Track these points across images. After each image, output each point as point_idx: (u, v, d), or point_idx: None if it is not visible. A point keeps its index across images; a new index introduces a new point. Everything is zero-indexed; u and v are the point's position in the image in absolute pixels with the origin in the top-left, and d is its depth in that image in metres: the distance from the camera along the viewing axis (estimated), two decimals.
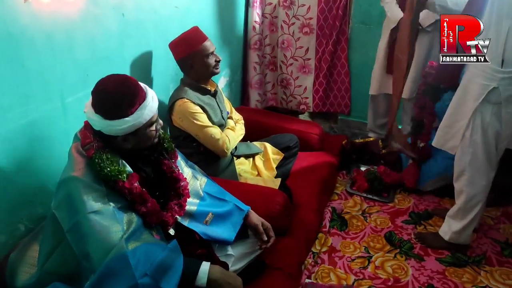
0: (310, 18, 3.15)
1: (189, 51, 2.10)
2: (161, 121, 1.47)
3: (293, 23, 3.20)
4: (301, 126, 2.82)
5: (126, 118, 1.31)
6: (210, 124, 2.11)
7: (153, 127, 1.42)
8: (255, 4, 3.14)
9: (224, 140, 2.12)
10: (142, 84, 1.38)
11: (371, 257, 2.15)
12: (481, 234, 2.32)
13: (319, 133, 2.81)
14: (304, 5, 3.12)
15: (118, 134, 1.34)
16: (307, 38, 3.22)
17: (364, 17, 3.15)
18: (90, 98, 1.35)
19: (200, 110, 2.08)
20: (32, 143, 1.53)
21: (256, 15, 3.18)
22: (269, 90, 3.50)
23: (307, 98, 3.41)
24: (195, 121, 2.06)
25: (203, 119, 2.08)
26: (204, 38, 2.14)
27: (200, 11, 2.55)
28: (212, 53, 2.15)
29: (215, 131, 2.10)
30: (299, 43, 3.24)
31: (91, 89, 1.53)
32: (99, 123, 1.32)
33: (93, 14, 1.72)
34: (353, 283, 1.98)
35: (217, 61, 2.18)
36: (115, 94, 1.31)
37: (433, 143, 2.14)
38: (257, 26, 3.21)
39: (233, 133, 2.24)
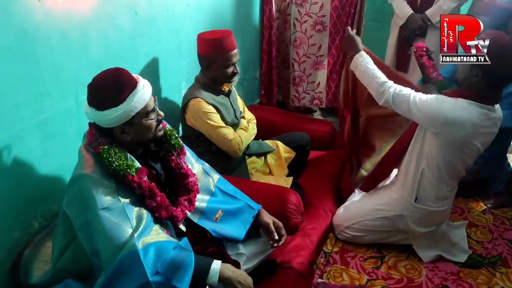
0: (323, 16, 3.12)
1: (213, 53, 2.06)
2: (161, 112, 1.45)
3: (306, 21, 3.18)
4: (312, 125, 2.80)
5: (117, 107, 1.30)
6: (223, 124, 2.10)
7: (151, 117, 1.40)
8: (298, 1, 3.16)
9: (237, 141, 2.11)
10: (134, 75, 1.38)
11: (384, 257, 2.13)
12: (497, 235, 2.28)
13: (331, 131, 2.79)
14: (316, 2, 3.09)
15: (113, 124, 1.33)
16: (320, 35, 3.20)
17: (377, 14, 3.13)
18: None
19: (214, 110, 2.08)
20: (46, 140, 1.54)
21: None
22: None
23: (320, 92, 3.40)
24: (208, 121, 2.05)
25: (216, 119, 2.07)
26: (233, 47, 2.10)
27: (212, 8, 2.55)
28: (233, 64, 2.12)
29: (228, 131, 2.09)
30: (311, 40, 3.23)
31: None
32: (93, 115, 1.33)
33: (106, 12, 1.72)
34: (366, 283, 1.96)
35: (235, 73, 2.15)
36: (104, 84, 1.32)
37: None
38: (297, 24, 3.22)
39: (245, 134, 2.23)
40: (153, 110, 1.41)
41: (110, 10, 1.74)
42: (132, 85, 1.33)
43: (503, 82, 1.74)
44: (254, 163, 2.31)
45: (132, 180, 1.33)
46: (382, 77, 1.88)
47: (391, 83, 1.86)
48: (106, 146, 1.33)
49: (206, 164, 1.75)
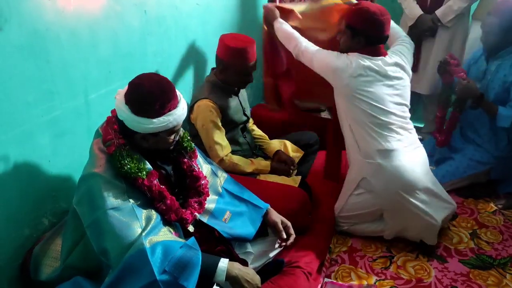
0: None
1: (231, 60, 2.05)
2: (182, 130, 1.47)
3: None
4: (320, 124, 2.78)
5: (153, 119, 1.31)
6: (220, 140, 2.08)
7: (173, 136, 1.42)
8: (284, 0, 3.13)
9: (224, 159, 2.08)
10: (178, 92, 1.38)
11: (393, 257, 2.11)
12: (507, 236, 2.26)
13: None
14: None
15: (139, 131, 1.34)
16: None
17: None
18: (126, 87, 1.36)
19: (217, 120, 2.06)
20: (55, 139, 1.55)
21: None
22: None
23: None
24: (208, 131, 2.05)
25: (215, 132, 2.06)
26: (253, 57, 2.09)
27: (220, 7, 2.55)
28: (250, 73, 2.12)
29: (219, 151, 2.07)
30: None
31: (114, 86, 1.55)
32: (125, 114, 1.32)
33: (116, 10, 1.73)
34: (375, 283, 1.95)
35: (248, 81, 2.15)
36: (150, 92, 1.31)
37: None
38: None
39: (242, 162, 2.15)
40: (178, 130, 1.43)
41: (119, 9, 1.75)
42: (174, 104, 1.34)
43: (378, 40, 1.99)
44: (261, 161, 2.30)
45: (142, 183, 1.34)
46: (297, 37, 2.11)
47: (302, 40, 2.09)
48: (119, 147, 1.33)
49: (214, 163, 1.76)
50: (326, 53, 2.02)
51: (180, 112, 1.36)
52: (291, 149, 2.40)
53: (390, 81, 1.98)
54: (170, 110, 1.33)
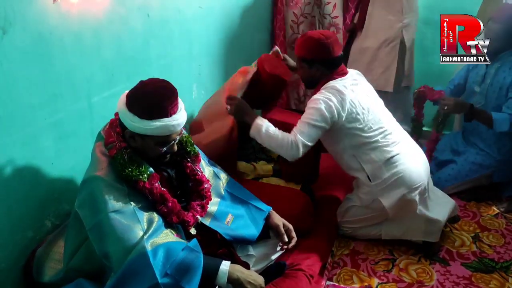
0: (336, 17, 3.10)
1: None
2: (175, 148, 1.43)
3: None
4: None
5: (141, 119, 1.30)
6: None
7: (163, 146, 1.38)
8: (291, 3, 3.13)
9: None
10: (180, 101, 1.37)
11: (395, 260, 2.11)
12: (510, 239, 2.25)
13: None
14: (329, 2, 3.05)
15: (129, 128, 1.34)
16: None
17: None
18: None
19: None
20: (59, 141, 1.56)
21: (292, 14, 3.16)
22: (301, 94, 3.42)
23: None
24: None
25: None
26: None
27: (223, 11, 2.56)
28: None
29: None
30: None
31: (117, 89, 1.55)
32: (122, 106, 1.34)
33: (119, 14, 1.74)
34: (377, 287, 1.95)
35: None
36: (149, 93, 1.32)
37: None
38: (294, 26, 3.19)
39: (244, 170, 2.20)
40: (169, 142, 1.39)
41: (123, 13, 1.76)
42: (164, 114, 1.31)
43: (334, 62, 1.98)
44: (263, 165, 2.31)
45: (144, 186, 1.34)
46: (284, 136, 1.88)
47: (292, 135, 1.88)
48: (121, 150, 1.34)
49: (216, 165, 1.76)
50: (309, 124, 1.89)
51: (171, 123, 1.32)
52: None
53: (367, 92, 2.05)
54: (161, 118, 1.31)
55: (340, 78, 1.98)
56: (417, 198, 2.00)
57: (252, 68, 2.06)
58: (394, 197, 1.99)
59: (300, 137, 1.87)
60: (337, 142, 2.03)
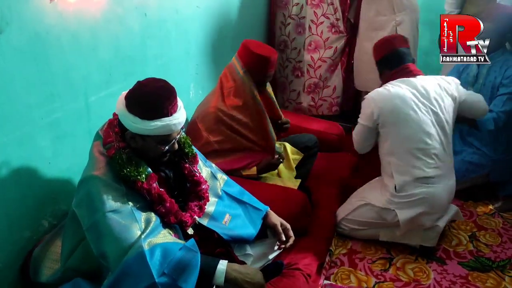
0: (338, 20, 3.10)
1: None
2: (176, 146, 1.44)
3: (322, 22, 3.11)
4: (320, 126, 2.79)
5: (142, 120, 1.30)
6: None
7: (163, 145, 1.38)
8: (280, 4, 3.12)
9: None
10: (179, 100, 1.37)
11: (392, 259, 2.12)
12: (506, 238, 2.26)
13: (339, 133, 2.79)
14: (332, 3, 3.05)
15: (130, 129, 1.34)
16: (336, 37, 3.14)
17: None
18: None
19: None
20: (56, 141, 1.56)
21: (282, 15, 3.16)
22: (294, 99, 3.38)
23: (338, 97, 3.31)
24: None
25: None
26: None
27: (221, 11, 2.56)
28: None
29: None
30: (328, 43, 3.15)
31: (114, 89, 1.55)
32: (121, 108, 1.33)
33: (117, 14, 1.74)
34: (374, 286, 1.95)
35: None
36: (148, 93, 1.31)
37: None
38: (282, 27, 3.19)
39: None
40: (170, 141, 1.39)
41: (120, 12, 1.76)
42: (165, 114, 1.31)
43: (391, 63, 2.09)
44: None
45: (142, 186, 1.33)
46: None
47: None
48: (119, 150, 1.33)
49: (213, 165, 1.76)
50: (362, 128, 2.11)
51: (171, 122, 1.33)
52: (291, 152, 2.40)
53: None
54: (161, 117, 1.31)
55: (403, 79, 2.03)
56: (428, 223, 2.03)
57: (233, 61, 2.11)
58: (412, 214, 1.99)
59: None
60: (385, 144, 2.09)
